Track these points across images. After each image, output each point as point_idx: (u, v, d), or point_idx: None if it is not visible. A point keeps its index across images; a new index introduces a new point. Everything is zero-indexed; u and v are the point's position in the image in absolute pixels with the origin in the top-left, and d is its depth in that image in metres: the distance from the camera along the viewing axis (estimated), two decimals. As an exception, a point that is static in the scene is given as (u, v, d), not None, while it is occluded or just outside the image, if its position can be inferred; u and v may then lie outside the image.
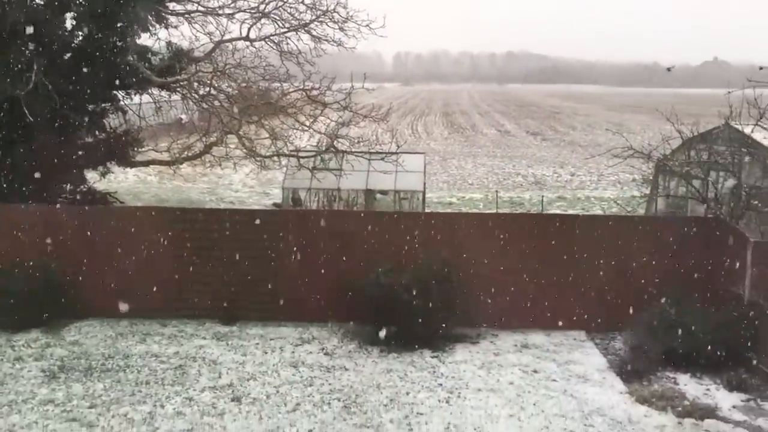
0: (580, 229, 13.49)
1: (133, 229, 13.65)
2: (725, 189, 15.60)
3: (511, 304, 13.43)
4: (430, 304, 12.28)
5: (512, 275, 13.37)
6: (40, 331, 12.86)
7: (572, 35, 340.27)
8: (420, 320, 12.28)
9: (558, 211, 24.70)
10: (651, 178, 19.16)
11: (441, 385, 10.99)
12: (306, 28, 21.01)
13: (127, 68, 18.80)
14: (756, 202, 13.93)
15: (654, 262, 13.12)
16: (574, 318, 13.41)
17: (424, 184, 22.93)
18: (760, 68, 13.14)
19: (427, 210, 22.18)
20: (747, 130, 14.85)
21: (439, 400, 10.41)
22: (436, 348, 12.42)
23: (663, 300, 12.32)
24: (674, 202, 18.93)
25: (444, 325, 12.59)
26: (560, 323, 13.41)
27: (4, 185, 18.02)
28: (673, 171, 17.46)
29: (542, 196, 26.41)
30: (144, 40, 20.36)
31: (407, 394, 10.62)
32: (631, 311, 12.58)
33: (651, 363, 11.60)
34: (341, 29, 20.75)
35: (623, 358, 11.95)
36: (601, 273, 13.30)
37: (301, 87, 20.99)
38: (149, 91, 21.57)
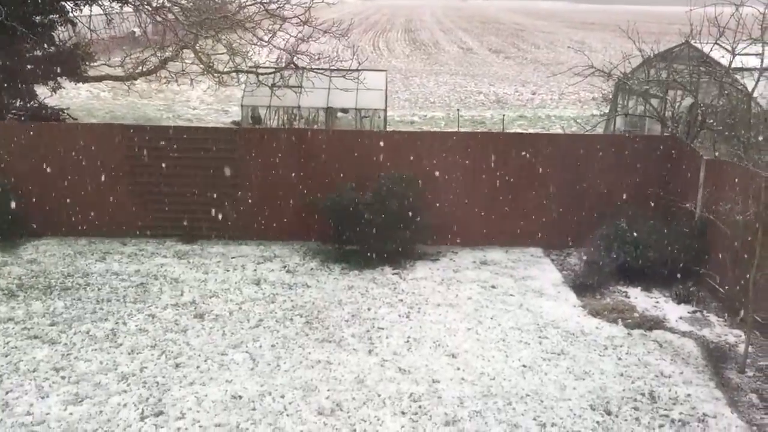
0: (540, 147, 13.60)
1: (87, 147, 13.33)
2: (682, 108, 15.82)
3: (472, 222, 13.64)
4: (391, 222, 12.39)
5: (473, 193, 13.51)
6: (-4, 250, 12.69)
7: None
8: (381, 238, 12.42)
9: (519, 130, 24.82)
10: (611, 96, 19.27)
11: (401, 300, 11.23)
12: (264, -63, 20.14)
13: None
14: (711, 121, 14.17)
15: (612, 180, 13.37)
16: (533, 235, 13.69)
17: (386, 102, 22.71)
18: (722, -14, 13.13)
19: (388, 128, 22.06)
20: (706, 48, 14.94)
21: (400, 315, 10.66)
22: (397, 265, 12.61)
23: (618, 217, 12.63)
24: (632, 121, 19.17)
25: (405, 242, 12.75)
26: (519, 241, 13.69)
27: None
28: (633, 90, 17.59)
29: (503, 115, 26.46)
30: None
31: (368, 309, 10.83)
32: (588, 228, 12.90)
33: (604, 277, 12.00)
34: (300, -61, 19.94)
35: (578, 273, 12.32)
36: (561, 191, 13.52)
37: (259, 0, 20.29)
38: (99, 2, 20.62)
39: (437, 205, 13.21)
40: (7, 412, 7.78)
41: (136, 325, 10.02)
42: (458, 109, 28.11)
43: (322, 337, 9.89)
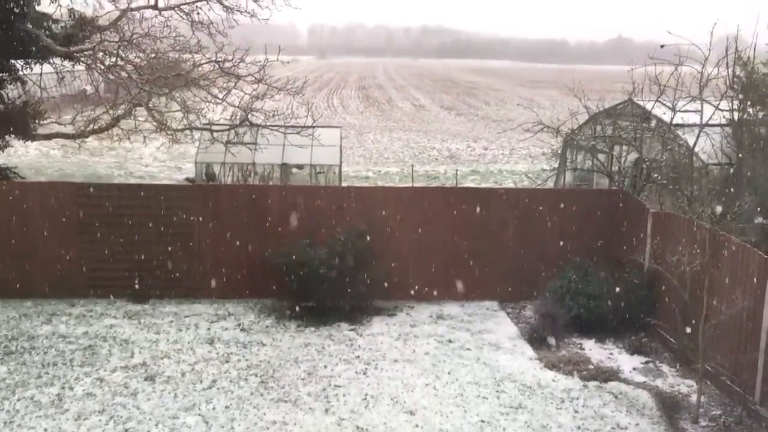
0: (492, 201, 13.82)
1: (34, 206, 13.05)
2: (628, 162, 16.33)
3: (427, 277, 13.68)
4: (347, 278, 12.36)
5: (428, 248, 13.59)
6: (-64, 314, 12.19)
7: (485, 11, 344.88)
8: (337, 294, 12.35)
9: (472, 185, 25.22)
10: (560, 152, 19.81)
11: (358, 357, 11.11)
12: (217, -2, 20.39)
13: (26, 36, 17.78)
14: (656, 175, 14.64)
15: (562, 233, 13.62)
16: (488, 288, 13.79)
17: (341, 158, 22.89)
18: (661, 46, 13.77)
19: (343, 184, 22.18)
20: (648, 106, 15.54)
21: (357, 372, 10.53)
22: (353, 321, 12.52)
23: (570, 269, 12.83)
24: (581, 175, 19.67)
25: (361, 298, 12.70)
26: (474, 294, 13.77)
27: None
28: (580, 145, 18.12)
29: (456, 170, 26.89)
30: (45, 6, 19.28)
31: (325, 367, 10.69)
32: (541, 281, 13.07)
33: (559, 330, 12.10)
34: (254, 0, 20.27)
35: (533, 325, 12.40)
36: (514, 244, 13.71)
37: (214, 59, 20.42)
38: (50, 60, 20.48)
39: (393, 259, 13.24)
40: (-58, 487, 7.38)
41: (84, 390, 9.67)
42: (412, 165, 28.47)
43: (278, 396, 9.69)
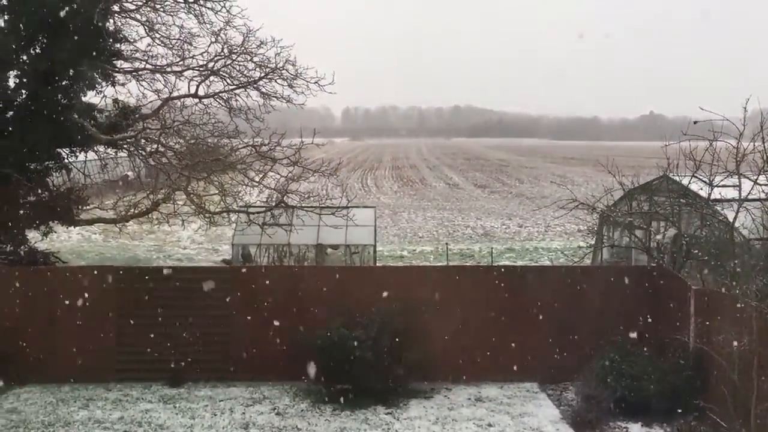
0: (530, 279, 13.66)
1: (75, 290, 13.26)
2: (667, 238, 16.07)
3: (465, 358, 13.43)
4: (384, 360, 12.18)
5: (465, 328, 13.39)
6: (-24, 399, 12.27)
7: (515, 91, 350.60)
8: (373, 376, 12.15)
9: (507, 263, 25.01)
10: (596, 228, 19.62)
11: (395, 442, 10.82)
12: (255, 85, 21.12)
13: (72, 126, 18.53)
14: (696, 251, 14.36)
15: (602, 311, 13.33)
16: (527, 369, 13.45)
17: (375, 237, 22.99)
18: (695, 122, 13.75)
19: (378, 264, 22.19)
20: (685, 181, 15.41)
21: (394, 459, 10.23)
22: (390, 404, 12.27)
23: (611, 349, 12.48)
24: (619, 252, 19.39)
25: (397, 380, 12.47)
26: (513, 375, 13.43)
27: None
28: (617, 222, 17.94)
29: (492, 248, 26.75)
30: (90, 97, 20.17)
31: (361, 453, 10.41)
32: (581, 361, 12.71)
33: (603, 413, 11.67)
34: (290, 86, 20.94)
35: (575, 408, 11.99)
36: (553, 323, 13.44)
37: (251, 143, 20.99)
38: (95, 148, 21.25)
39: (429, 340, 13.04)
40: None
41: (118, 477, 9.54)
42: (447, 243, 28.43)
43: (314, 485, 9.43)
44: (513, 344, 13.44)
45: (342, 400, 12.30)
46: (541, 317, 13.46)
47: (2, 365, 12.70)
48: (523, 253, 28.14)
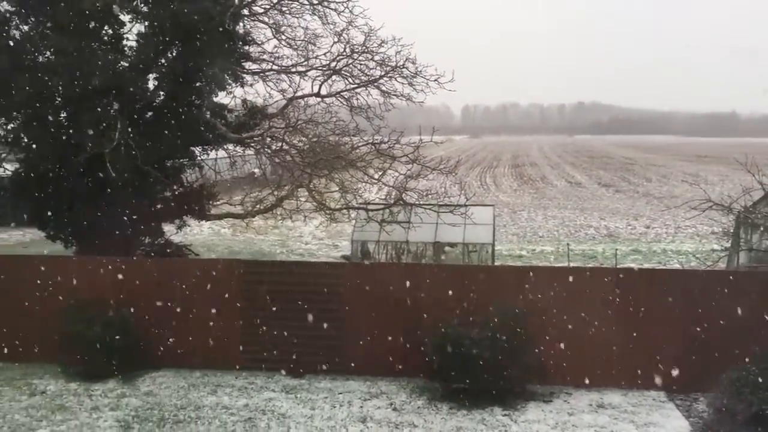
0: (659, 283, 13.02)
1: (206, 281, 13.96)
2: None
3: (587, 361, 12.99)
4: (502, 360, 12.00)
5: (588, 331, 12.96)
6: (117, 380, 13.18)
7: (645, 85, 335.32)
8: (491, 376, 12.00)
9: (633, 265, 23.97)
10: (732, 231, 18.42)
11: (513, 445, 10.63)
12: (375, 84, 21.40)
13: (205, 125, 19.53)
14: None
15: (738, 319, 12.49)
16: (654, 377, 12.83)
17: (493, 236, 22.71)
18: None
19: (496, 263, 21.90)
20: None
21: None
22: (507, 405, 12.07)
23: (749, 358, 11.67)
24: (757, 256, 18.11)
25: (515, 381, 12.25)
26: (638, 382, 12.86)
27: (87, 238, 18.81)
28: (756, 224, 16.77)
29: (616, 249, 25.75)
30: (221, 98, 21.18)
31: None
32: (714, 371, 11.96)
33: (737, 427, 10.93)
34: (410, 84, 21.04)
35: (707, 421, 11.32)
36: (687, 329, 12.73)
37: (371, 141, 21.30)
38: (225, 146, 22.30)
39: (549, 342, 12.73)
40: None
41: (242, 462, 9.94)
42: (568, 244, 27.63)
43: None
44: (639, 350, 12.86)
45: (458, 399, 12.24)
46: (670, 323, 12.79)
47: (141, 350, 13.59)
48: (650, 255, 26.88)
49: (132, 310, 13.73)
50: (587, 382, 12.94)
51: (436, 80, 20.73)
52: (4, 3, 18.24)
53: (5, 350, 14.12)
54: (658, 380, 12.81)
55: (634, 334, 12.87)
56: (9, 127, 18.99)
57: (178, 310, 13.93)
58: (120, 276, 14.07)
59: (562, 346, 12.88)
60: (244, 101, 22.02)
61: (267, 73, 22.26)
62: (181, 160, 20.90)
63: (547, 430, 11.20)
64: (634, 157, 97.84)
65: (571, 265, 22.41)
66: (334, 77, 21.54)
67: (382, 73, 21.18)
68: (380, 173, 21.58)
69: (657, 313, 12.84)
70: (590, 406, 12.20)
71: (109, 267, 14.18)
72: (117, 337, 13.19)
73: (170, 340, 13.89)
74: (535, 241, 30.83)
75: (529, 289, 13.16)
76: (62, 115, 18.74)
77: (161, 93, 19.36)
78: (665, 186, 56.20)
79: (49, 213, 19.20)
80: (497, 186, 57.68)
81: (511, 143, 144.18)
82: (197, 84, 18.92)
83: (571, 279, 13.30)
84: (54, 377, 13.33)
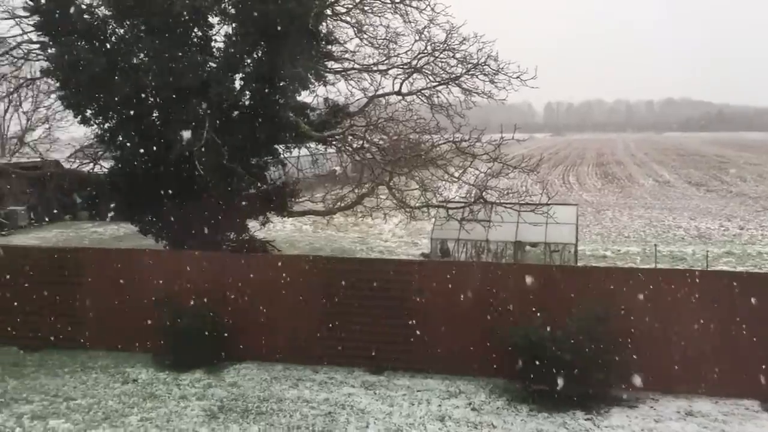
0: (755, 287, 12.41)
1: (289, 276, 14.24)
2: None
3: (675, 367, 12.53)
4: (585, 363, 11.72)
5: (677, 336, 12.50)
6: (203, 371, 13.63)
7: (738, 80, 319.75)
8: (573, 379, 11.74)
9: (726, 268, 22.94)
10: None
11: (594, 450, 10.38)
12: (456, 82, 21.30)
13: (288, 124, 19.93)
14: None
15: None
16: (747, 385, 12.26)
17: (576, 236, 22.20)
18: None
19: (579, 263, 21.40)
20: None
21: (593, 467, 9.81)
22: (589, 410, 11.79)
23: None
24: None
25: (598, 385, 11.94)
26: (730, 390, 12.31)
27: (176, 232, 19.54)
28: None
29: (707, 251, 24.71)
30: (303, 96, 21.56)
31: (559, 457, 10.11)
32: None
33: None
34: (491, 82, 20.84)
35: (806, 433, 10.73)
36: (778, 337, 12.11)
37: (451, 139, 21.20)
38: (307, 144, 22.68)
39: (635, 346, 12.33)
40: None
41: (322, 455, 10.09)
42: (655, 245, 26.69)
43: (509, 484, 9.31)
44: (731, 357, 12.31)
45: (539, 401, 12.04)
46: (765, 329, 12.17)
47: (226, 343, 14.01)
48: (745, 258, 25.65)
49: (218, 303, 14.17)
50: (674, 388, 12.49)
51: (518, 77, 20.46)
52: (102, 8, 19.16)
53: (101, 340, 14.84)
54: (751, 389, 12.23)
55: (725, 340, 12.32)
56: (106, 126, 19.96)
57: (262, 304, 14.27)
58: (206, 270, 14.53)
59: (648, 350, 12.47)
60: (326, 100, 22.34)
61: (349, 72, 22.50)
62: (265, 158, 21.41)
63: (631, 436, 10.88)
64: (727, 154, 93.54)
65: (658, 266, 21.64)
66: (415, 75, 21.58)
67: (464, 71, 21.06)
68: (461, 171, 21.44)
69: (751, 318, 12.25)
70: (678, 413, 11.77)
71: (197, 261, 14.68)
72: (203, 329, 13.64)
73: (254, 333, 14.25)
74: (620, 241, 29.95)
75: (615, 290, 12.81)
76: (155, 114, 19.55)
77: (247, 92, 19.88)
78: (761, 185, 53.47)
79: (141, 208, 20.07)
80: (581, 185, 56.33)
81: (596, 141, 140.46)
82: (281, 83, 19.32)
83: (660, 281, 12.86)
84: (145, 366, 13.91)
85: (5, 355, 14.62)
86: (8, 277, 15.12)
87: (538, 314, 12.68)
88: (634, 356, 12.23)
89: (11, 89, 29.61)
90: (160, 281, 14.56)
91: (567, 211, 22.52)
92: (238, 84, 19.84)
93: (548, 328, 12.18)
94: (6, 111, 40.60)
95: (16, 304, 15.02)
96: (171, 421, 11.27)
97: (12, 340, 15.00)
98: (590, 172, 68.27)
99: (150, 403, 12.05)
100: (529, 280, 13.27)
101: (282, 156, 22.15)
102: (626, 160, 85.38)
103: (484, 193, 20.72)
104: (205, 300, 14.17)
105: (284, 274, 14.27)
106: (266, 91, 19.30)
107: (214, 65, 19.13)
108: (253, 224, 22.35)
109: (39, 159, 31.47)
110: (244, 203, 20.24)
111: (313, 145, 23.20)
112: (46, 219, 32.18)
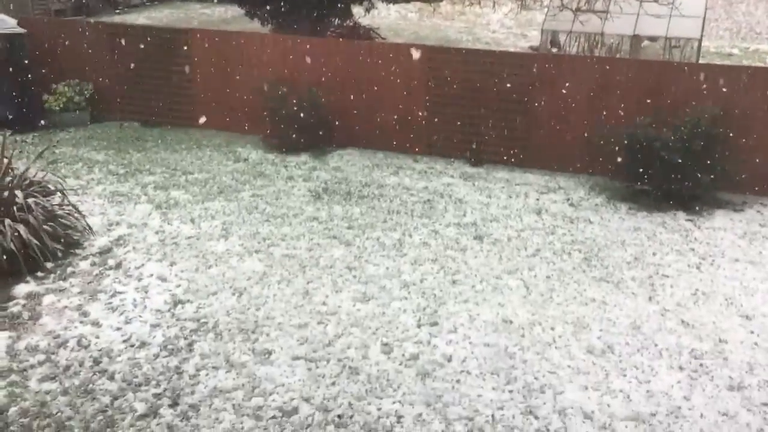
0: None
1: (394, 65, 14.09)
2: None
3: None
4: (692, 164, 11.37)
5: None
6: (308, 155, 14.18)
7: None
8: (677, 180, 11.49)
9: None
10: None
11: (693, 249, 10.37)
12: None
13: None
14: None
15: None
16: None
17: (702, 30, 20.48)
18: None
19: (701, 61, 19.97)
20: None
21: (689, 265, 9.87)
22: (692, 211, 11.63)
23: None
24: None
25: (704, 188, 11.65)
26: None
27: (282, 16, 19.40)
28: None
29: None
30: None
31: (654, 254, 10.20)
32: None
33: None
34: None
35: None
36: None
37: None
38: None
39: (750, 149, 11.78)
40: (306, 299, 8.83)
41: (420, 239, 10.59)
42: (790, 42, 24.42)
43: (600, 275, 9.57)
44: None
45: (639, 200, 11.95)
46: None
47: (330, 128, 14.38)
48: None
49: (323, 89, 14.34)
50: (787, 194, 12.04)
51: None
52: None
53: (214, 119, 15.54)
54: None
55: None
56: None
57: (365, 92, 14.34)
58: (311, 55, 14.55)
59: (762, 155, 11.89)
60: None
61: None
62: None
63: (733, 238, 10.74)
64: None
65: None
66: None
67: None
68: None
69: None
70: (786, 219, 11.44)
71: (302, 46, 14.67)
72: (308, 115, 13.97)
73: (358, 121, 14.49)
74: (750, 38, 27.49)
75: (734, 91, 11.99)
76: None
77: None
78: None
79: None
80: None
81: None
82: None
83: (788, 82, 11.91)
84: (254, 147, 14.59)
85: (129, 129, 15.69)
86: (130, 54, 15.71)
87: (649, 113, 12.17)
88: (751, 160, 11.73)
89: None
90: (266, 66, 14.77)
91: (694, 2, 20.57)
92: None
93: (658, 128, 11.74)
94: None
95: (137, 83, 15.78)
96: (279, 198, 11.98)
97: (133, 115, 15.99)
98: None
99: (260, 182, 12.77)
100: (643, 77, 12.59)
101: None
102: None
103: (603, -20, 19.16)
104: (309, 86, 14.35)
105: (389, 63, 14.11)
106: None
107: None
108: (357, 11, 21.83)
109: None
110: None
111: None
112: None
